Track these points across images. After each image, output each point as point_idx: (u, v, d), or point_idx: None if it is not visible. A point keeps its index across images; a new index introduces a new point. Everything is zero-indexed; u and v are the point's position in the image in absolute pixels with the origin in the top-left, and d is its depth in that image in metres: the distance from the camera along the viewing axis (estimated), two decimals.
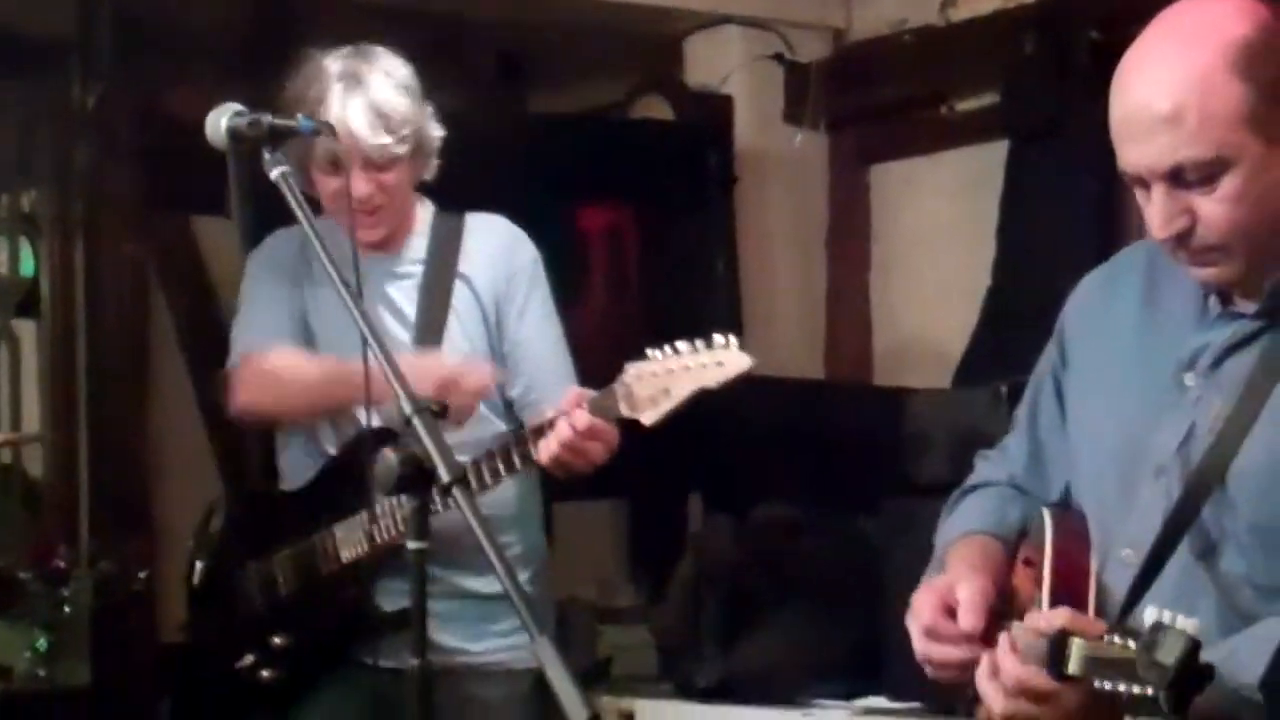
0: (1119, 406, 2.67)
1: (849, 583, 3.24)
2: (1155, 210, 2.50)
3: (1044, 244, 5.10)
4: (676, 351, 3.47)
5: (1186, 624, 2.24)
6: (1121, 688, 2.26)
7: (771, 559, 4.56)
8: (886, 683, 4.19)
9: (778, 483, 4.96)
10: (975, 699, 2.78)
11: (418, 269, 4.01)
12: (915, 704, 4.04)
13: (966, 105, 5.86)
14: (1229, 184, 2.47)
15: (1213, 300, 2.61)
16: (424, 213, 4.08)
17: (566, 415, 3.61)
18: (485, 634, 3.89)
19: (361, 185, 3.86)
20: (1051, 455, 2.84)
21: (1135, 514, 2.59)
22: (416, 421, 2.80)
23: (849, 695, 4.24)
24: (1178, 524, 2.53)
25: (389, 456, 2.85)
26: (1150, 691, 2.22)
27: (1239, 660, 2.40)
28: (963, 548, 2.79)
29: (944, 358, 5.54)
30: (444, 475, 2.75)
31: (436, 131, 4.01)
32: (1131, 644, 2.25)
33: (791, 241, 6.19)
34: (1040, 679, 2.40)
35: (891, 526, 4.35)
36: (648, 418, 3.53)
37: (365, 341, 2.89)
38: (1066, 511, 2.72)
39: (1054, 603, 2.55)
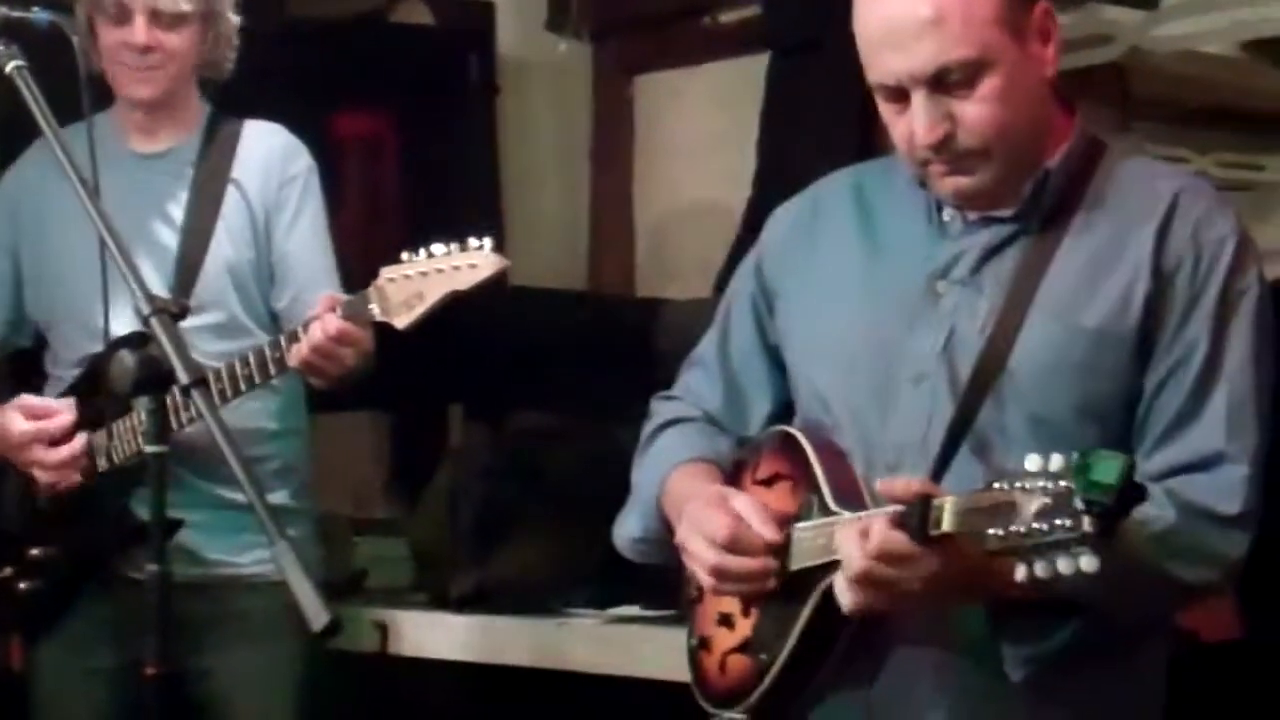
0: (859, 323, 2.71)
1: (604, 491, 3.23)
2: (918, 117, 2.55)
3: (802, 156, 5.11)
4: (431, 254, 3.45)
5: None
6: (1028, 527, 2.26)
7: (527, 468, 4.56)
8: (640, 591, 4.22)
9: (538, 393, 4.95)
10: (694, 599, 2.80)
11: (190, 171, 3.95)
12: (668, 611, 4.05)
13: (729, 16, 5.87)
14: (989, 84, 2.53)
15: (949, 213, 2.66)
16: (201, 114, 4.00)
17: (318, 319, 3.56)
18: (250, 546, 3.84)
19: (142, 34, 3.82)
20: (750, 389, 2.88)
21: (895, 421, 2.64)
22: (153, 322, 2.74)
23: (603, 604, 4.26)
24: (961, 422, 2.58)
25: (125, 358, 2.82)
26: (1072, 524, 2.23)
27: None
28: (690, 473, 2.81)
29: (706, 268, 5.53)
30: (182, 377, 2.70)
31: (233, 19, 3.94)
32: (1030, 484, 2.27)
33: (555, 151, 6.16)
34: (901, 543, 2.42)
35: None
36: (401, 321, 3.50)
37: (101, 239, 2.85)
38: (809, 427, 2.74)
39: (839, 501, 2.58)
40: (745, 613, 2.72)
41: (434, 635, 4.52)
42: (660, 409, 2.99)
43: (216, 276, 3.91)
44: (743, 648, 2.71)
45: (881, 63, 2.56)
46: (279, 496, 3.91)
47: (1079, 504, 2.23)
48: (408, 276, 3.48)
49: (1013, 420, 2.56)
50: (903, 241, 2.70)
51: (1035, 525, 2.26)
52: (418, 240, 3.48)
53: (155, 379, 2.80)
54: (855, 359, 2.70)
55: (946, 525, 2.38)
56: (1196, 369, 2.53)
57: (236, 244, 3.93)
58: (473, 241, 3.45)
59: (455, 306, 3.48)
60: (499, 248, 3.48)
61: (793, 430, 2.74)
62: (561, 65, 6.12)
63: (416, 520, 4.88)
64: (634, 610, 4.24)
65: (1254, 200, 8.15)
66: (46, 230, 3.95)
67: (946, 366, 2.60)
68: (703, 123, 5.95)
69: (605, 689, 4.15)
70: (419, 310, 3.48)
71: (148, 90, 3.90)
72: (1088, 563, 2.24)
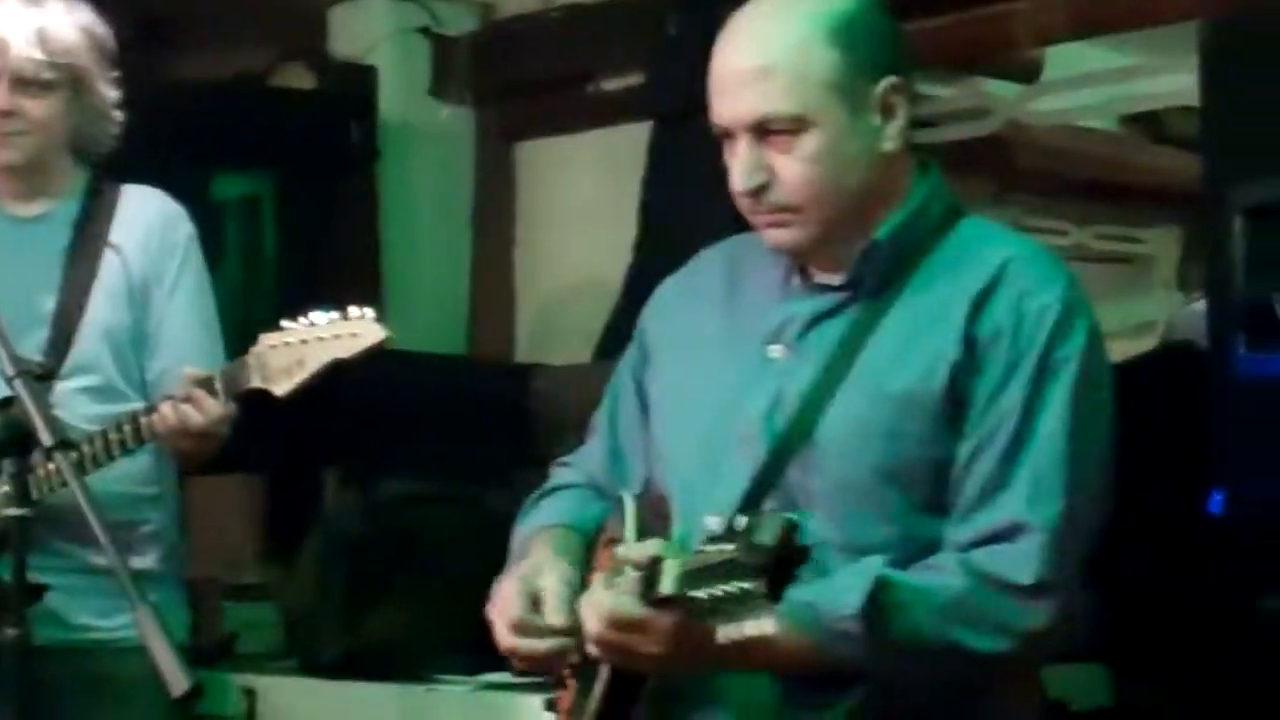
0: (704, 385, 2.74)
1: (476, 557, 3.24)
2: (738, 163, 2.59)
3: (683, 223, 5.15)
4: (312, 322, 3.47)
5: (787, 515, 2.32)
6: (719, 590, 2.28)
7: (399, 533, 4.56)
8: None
9: (411, 458, 4.94)
10: (558, 681, 2.81)
11: (67, 234, 3.92)
12: (537, 678, 4.04)
13: (612, 84, 5.90)
14: (808, 144, 2.57)
15: (795, 278, 2.69)
16: (78, 178, 3.99)
17: (172, 400, 3.60)
18: (116, 610, 3.79)
19: (3, 99, 3.80)
20: (630, 453, 2.90)
21: (721, 482, 2.65)
22: (18, 384, 2.74)
23: (474, 670, 4.25)
24: (763, 484, 2.61)
25: None
26: (748, 585, 2.25)
27: (836, 593, 2.48)
28: (541, 539, 2.83)
29: (587, 334, 5.57)
30: (45, 440, 2.70)
31: (109, 92, 3.93)
32: (728, 546, 2.28)
33: (436, 216, 6.18)
34: (631, 607, 2.44)
35: (520, 500, 4.39)
36: (280, 389, 3.52)
37: None
38: (649, 494, 2.77)
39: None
40: (571, 677, 2.74)
41: (302, 702, 4.51)
42: (555, 474, 3.02)
43: (93, 340, 3.89)
44: (570, 712, 2.73)
45: (715, 105, 2.60)
46: (147, 561, 3.90)
47: (749, 565, 2.26)
48: (288, 344, 3.51)
49: (816, 485, 2.58)
50: (755, 305, 2.73)
51: (724, 587, 2.28)
52: (295, 302, 3.48)
53: (17, 441, 2.79)
54: (696, 421, 2.73)
55: (666, 588, 2.39)
56: (1006, 438, 2.54)
57: (114, 308, 3.91)
58: (354, 310, 3.48)
59: (332, 371, 3.51)
60: (380, 316, 3.51)
61: (624, 494, 2.75)
62: (444, 131, 6.15)
63: (287, 585, 4.85)
64: (505, 677, 4.22)
65: (1131, 273, 8.29)
66: None
67: (767, 429, 2.63)
68: (585, 190, 5.99)
69: None
70: (298, 378, 3.50)
71: (10, 155, 3.87)
72: (759, 625, 2.29)
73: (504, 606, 2.68)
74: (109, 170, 4.03)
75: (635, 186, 5.59)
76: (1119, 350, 5.84)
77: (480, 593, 2.98)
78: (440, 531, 4.51)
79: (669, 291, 2.90)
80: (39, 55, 3.80)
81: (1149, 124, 7.20)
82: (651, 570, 2.41)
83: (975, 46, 5.37)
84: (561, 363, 5.49)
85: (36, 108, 3.84)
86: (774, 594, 2.26)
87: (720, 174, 2.71)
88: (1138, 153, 7.43)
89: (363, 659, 4.45)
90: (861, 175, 2.61)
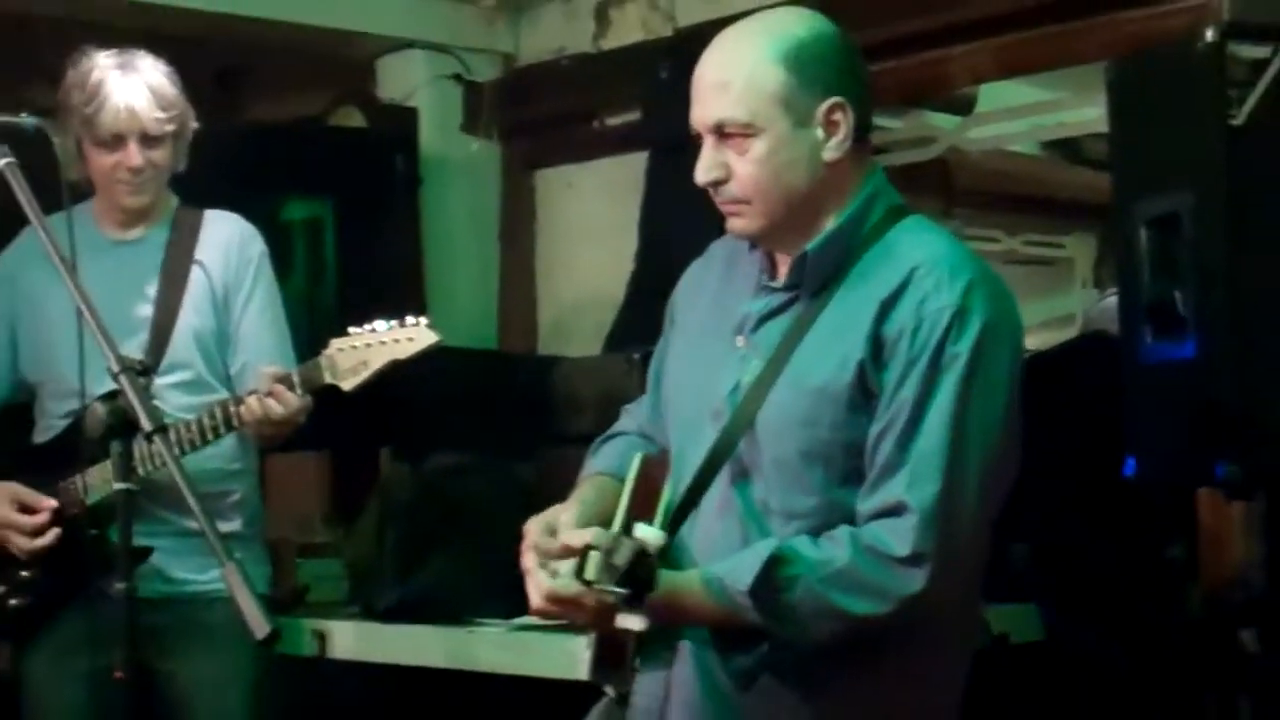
0: (695, 362, 2.79)
1: (509, 517, 3.26)
2: (700, 159, 2.64)
3: (675, 236, 5.16)
4: (374, 328, 3.53)
5: (648, 533, 2.49)
6: (609, 586, 2.44)
7: (444, 499, 4.57)
8: None
9: (453, 436, 4.95)
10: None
11: (161, 254, 3.97)
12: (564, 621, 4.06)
13: (615, 120, 5.91)
14: (757, 147, 2.59)
15: (764, 276, 2.71)
16: (170, 204, 4.03)
17: (256, 394, 3.67)
18: (210, 566, 3.81)
19: (137, 157, 3.83)
20: (664, 406, 2.90)
21: (697, 448, 2.70)
22: (121, 378, 2.76)
23: (509, 614, 4.26)
24: (717, 455, 2.65)
25: (97, 409, 2.84)
26: (621, 590, 2.43)
27: (737, 571, 2.55)
28: (583, 486, 2.85)
29: (598, 331, 5.58)
30: (145, 425, 2.72)
31: (194, 123, 3.96)
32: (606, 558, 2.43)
33: (469, 234, 6.18)
34: (565, 586, 2.54)
35: (544, 471, 4.45)
36: (348, 384, 3.60)
37: (78, 310, 2.86)
38: (659, 452, 2.79)
39: (628, 521, 2.64)
40: None
41: (364, 642, 4.52)
42: (620, 420, 3.04)
43: (184, 342, 3.94)
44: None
45: (691, 111, 2.65)
46: (233, 525, 3.94)
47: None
48: (354, 347, 3.58)
49: (759, 460, 2.62)
50: (735, 298, 2.76)
51: (607, 587, 2.45)
52: (352, 306, 3.52)
53: (123, 427, 2.81)
54: (687, 393, 2.77)
55: (589, 575, 2.48)
56: (900, 427, 2.54)
57: (200, 314, 3.96)
58: (410, 318, 3.55)
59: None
60: (424, 316, 3.57)
61: (638, 455, 2.79)
62: (474, 161, 6.15)
63: (351, 544, 4.87)
64: (534, 620, 4.23)
65: (1054, 274, 8.30)
66: (37, 304, 3.95)
67: (730, 409, 2.66)
68: (593, 209, 5.99)
69: (508, 687, 4.16)
70: (364, 375, 3.59)
71: (141, 201, 3.94)
72: (631, 621, 2.47)
73: (527, 532, 2.72)
74: (194, 197, 4.07)
75: (635, 207, 5.60)
76: (1044, 339, 5.90)
77: (512, 548, 3.00)
78: (478, 497, 4.52)
79: (690, 275, 2.93)
80: (160, 114, 3.84)
81: (1067, 148, 7.20)
82: (583, 558, 2.49)
83: (919, 85, 5.36)
84: (576, 355, 5.49)
85: (158, 156, 3.89)
86: (634, 600, 2.44)
87: (705, 196, 2.73)
88: (1058, 172, 7.44)
89: (414, 605, 4.46)
90: (803, 178, 2.61)
